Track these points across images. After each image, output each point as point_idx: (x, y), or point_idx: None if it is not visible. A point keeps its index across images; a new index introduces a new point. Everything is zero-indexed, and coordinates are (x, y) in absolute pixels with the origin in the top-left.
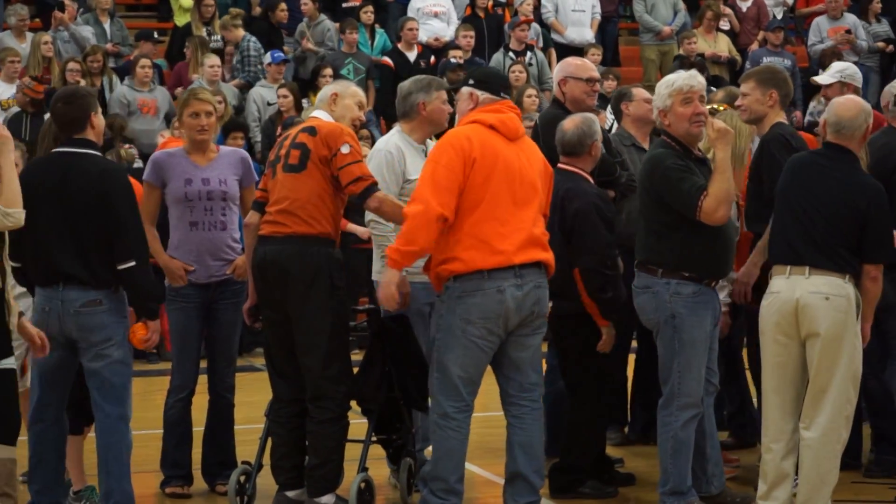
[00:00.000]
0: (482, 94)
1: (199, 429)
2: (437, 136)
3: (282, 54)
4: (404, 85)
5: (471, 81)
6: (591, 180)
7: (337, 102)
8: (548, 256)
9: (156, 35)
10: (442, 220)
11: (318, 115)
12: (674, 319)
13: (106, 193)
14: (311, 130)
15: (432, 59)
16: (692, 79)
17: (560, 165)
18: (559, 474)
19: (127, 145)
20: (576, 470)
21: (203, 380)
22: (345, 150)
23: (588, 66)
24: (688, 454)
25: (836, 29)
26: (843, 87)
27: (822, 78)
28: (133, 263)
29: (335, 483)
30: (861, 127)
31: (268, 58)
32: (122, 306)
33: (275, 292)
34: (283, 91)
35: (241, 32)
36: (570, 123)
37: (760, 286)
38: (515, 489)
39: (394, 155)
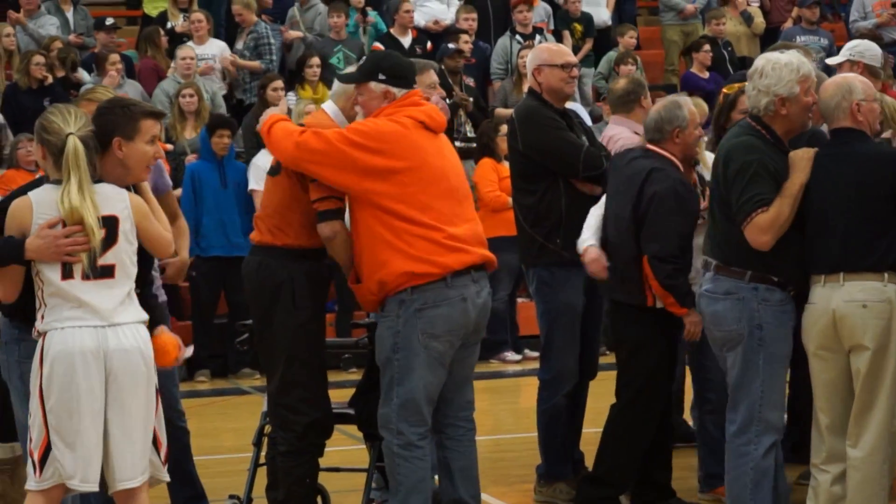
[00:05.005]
0: (399, 91)
1: None
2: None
3: None
4: None
5: (381, 77)
6: (679, 165)
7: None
8: (493, 256)
9: (109, 21)
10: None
11: (326, 108)
12: (760, 331)
13: None
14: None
15: (429, 44)
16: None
17: (647, 146)
18: (590, 487)
19: None
20: (609, 484)
21: None
22: None
23: (563, 51)
24: (770, 485)
25: (883, 2)
26: (851, 65)
27: (832, 59)
28: None
29: None
30: (841, 104)
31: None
32: None
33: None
34: (279, 83)
35: (254, 17)
36: (654, 108)
37: (804, 295)
38: None
39: None
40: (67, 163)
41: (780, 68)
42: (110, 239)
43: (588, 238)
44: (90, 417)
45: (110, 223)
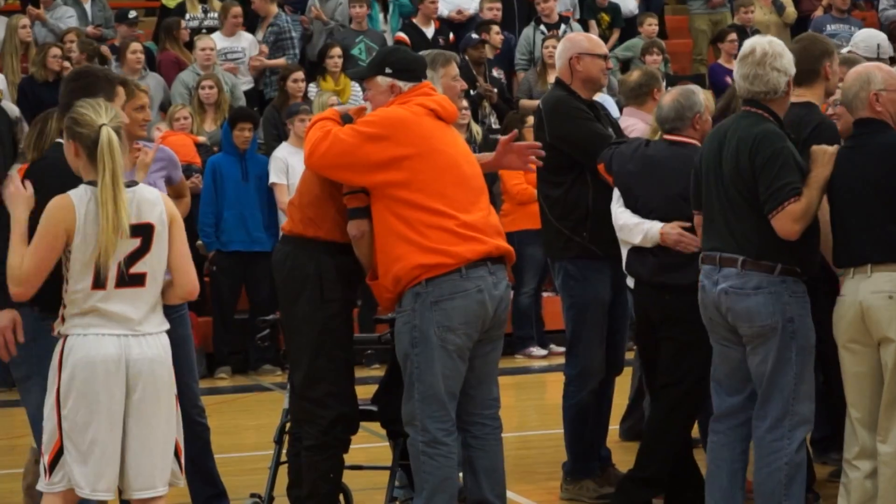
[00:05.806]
0: (405, 85)
1: None
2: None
3: None
4: None
5: (388, 70)
6: None
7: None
8: (510, 248)
9: (132, 14)
10: None
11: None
12: (792, 324)
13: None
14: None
15: (451, 35)
16: None
17: (667, 137)
18: (638, 488)
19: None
20: (657, 485)
21: None
22: None
23: (600, 41)
24: (803, 479)
25: None
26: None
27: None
28: None
29: None
30: (860, 94)
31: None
32: None
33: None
34: (299, 74)
35: (274, 8)
36: (668, 97)
37: (832, 286)
38: None
39: None
40: (102, 156)
41: (783, 49)
42: (144, 247)
43: (648, 221)
44: (108, 427)
45: (145, 231)
